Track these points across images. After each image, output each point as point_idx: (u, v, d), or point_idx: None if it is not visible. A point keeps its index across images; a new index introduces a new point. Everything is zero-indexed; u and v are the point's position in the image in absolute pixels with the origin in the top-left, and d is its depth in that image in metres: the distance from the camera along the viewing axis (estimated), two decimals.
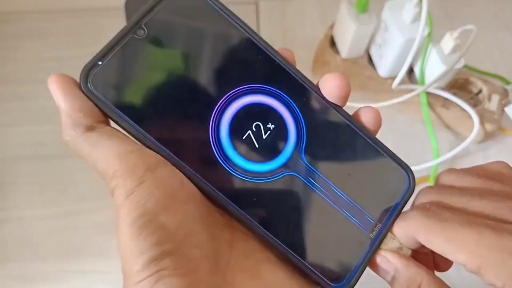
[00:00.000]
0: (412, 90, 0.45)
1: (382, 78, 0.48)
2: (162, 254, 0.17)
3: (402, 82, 0.45)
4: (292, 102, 0.22)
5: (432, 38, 0.44)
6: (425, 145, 0.48)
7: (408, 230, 0.21)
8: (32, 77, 0.50)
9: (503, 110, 0.46)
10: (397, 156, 0.23)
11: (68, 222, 0.44)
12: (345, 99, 0.22)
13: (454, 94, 0.47)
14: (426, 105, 0.47)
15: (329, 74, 0.21)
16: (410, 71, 0.48)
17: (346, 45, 0.47)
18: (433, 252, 0.22)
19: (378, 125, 0.23)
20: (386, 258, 0.21)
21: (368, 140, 0.22)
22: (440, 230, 0.20)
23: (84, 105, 0.19)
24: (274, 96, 0.21)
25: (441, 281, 0.20)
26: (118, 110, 0.19)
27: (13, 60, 0.52)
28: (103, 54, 0.19)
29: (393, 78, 0.46)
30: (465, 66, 0.47)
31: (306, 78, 0.22)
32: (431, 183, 0.45)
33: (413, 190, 0.23)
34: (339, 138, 0.22)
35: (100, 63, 0.19)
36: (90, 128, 0.19)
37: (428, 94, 0.47)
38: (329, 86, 0.21)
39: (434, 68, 0.44)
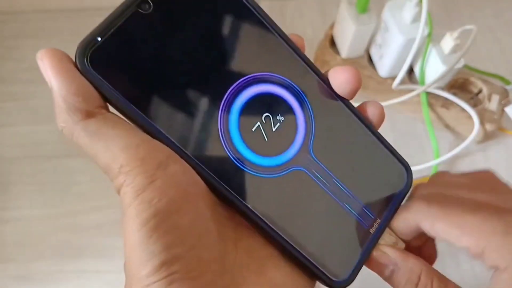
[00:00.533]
0: (412, 90, 0.45)
1: (382, 78, 0.48)
2: (173, 258, 0.16)
3: (402, 82, 0.45)
4: (302, 93, 0.21)
5: (432, 38, 0.44)
6: (425, 145, 0.48)
7: (412, 220, 0.21)
8: (32, 77, 0.50)
9: (503, 110, 0.46)
10: (397, 152, 0.23)
11: (68, 222, 0.44)
12: (355, 93, 0.21)
13: (454, 94, 0.47)
14: (426, 105, 0.47)
15: (340, 66, 0.21)
16: (410, 71, 0.48)
17: (346, 45, 0.47)
18: (420, 247, 0.23)
19: (382, 120, 0.22)
20: (385, 253, 0.21)
21: (373, 135, 0.22)
22: (444, 216, 0.20)
23: (82, 86, 0.16)
24: (284, 86, 0.20)
25: (438, 272, 0.21)
26: (121, 94, 0.17)
27: (13, 60, 0.52)
28: (102, 29, 0.17)
29: (393, 78, 0.46)
30: (465, 66, 0.47)
31: (316, 67, 0.21)
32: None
33: (411, 187, 0.23)
34: (346, 133, 0.21)
35: (99, 38, 0.17)
36: (89, 115, 0.16)
37: (428, 94, 0.47)
38: (340, 79, 0.21)
39: (434, 68, 0.44)
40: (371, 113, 0.22)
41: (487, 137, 0.47)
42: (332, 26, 0.49)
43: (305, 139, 0.21)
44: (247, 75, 0.19)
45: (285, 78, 0.20)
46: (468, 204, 0.21)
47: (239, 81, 0.19)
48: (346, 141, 0.21)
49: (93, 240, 0.43)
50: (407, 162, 0.23)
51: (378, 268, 0.22)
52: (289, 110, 0.20)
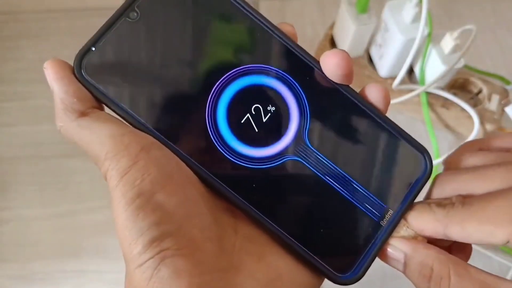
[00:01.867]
0: (412, 90, 0.45)
1: (382, 78, 0.48)
2: (162, 234, 0.16)
3: (402, 82, 0.45)
4: (293, 81, 0.20)
5: (432, 38, 0.44)
6: (425, 145, 0.47)
7: (438, 226, 0.19)
8: (32, 77, 0.50)
9: (503, 110, 0.46)
10: (412, 138, 0.21)
11: (68, 222, 0.44)
12: (348, 76, 0.20)
13: (454, 94, 0.46)
14: (426, 105, 0.47)
15: (329, 51, 0.20)
16: (410, 71, 0.48)
17: (346, 45, 0.47)
18: (450, 246, 0.21)
19: (387, 103, 0.21)
20: (394, 246, 0.20)
21: (378, 120, 0.21)
22: (470, 217, 0.19)
23: (78, 90, 0.19)
24: (274, 76, 0.20)
25: (455, 258, 0.19)
26: (112, 96, 0.19)
27: (13, 60, 0.52)
28: (96, 39, 0.19)
29: (393, 78, 0.46)
30: (465, 66, 0.47)
31: (308, 55, 0.21)
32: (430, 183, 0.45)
33: (430, 175, 0.21)
34: (346, 119, 0.21)
35: (93, 48, 0.19)
36: (83, 114, 0.18)
37: (428, 94, 0.47)
38: (330, 64, 0.20)
39: (434, 68, 0.44)
40: (374, 96, 0.21)
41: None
42: (332, 26, 0.49)
43: (299, 128, 0.20)
44: (232, 69, 0.20)
45: (274, 68, 0.20)
46: (494, 193, 0.19)
47: (224, 76, 0.20)
48: (347, 127, 0.21)
49: (93, 240, 0.43)
50: (425, 148, 0.21)
51: (391, 262, 0.20)
52: (280, 100, 0.20)
